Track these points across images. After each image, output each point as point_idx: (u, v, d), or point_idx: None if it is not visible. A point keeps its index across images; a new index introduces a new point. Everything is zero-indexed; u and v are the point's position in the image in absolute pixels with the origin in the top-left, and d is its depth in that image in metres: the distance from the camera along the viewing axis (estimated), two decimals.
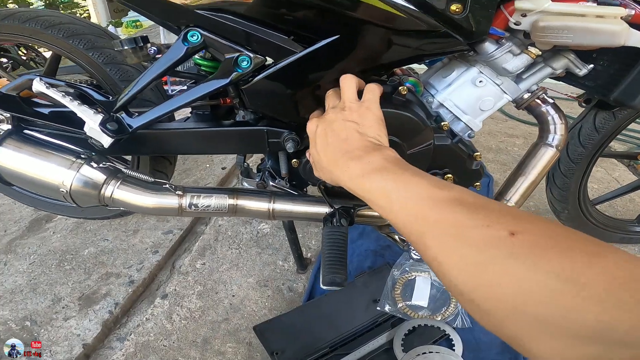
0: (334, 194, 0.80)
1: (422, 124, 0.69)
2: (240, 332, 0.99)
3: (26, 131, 0.75)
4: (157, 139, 0.77)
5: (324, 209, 0.80)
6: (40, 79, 0.68)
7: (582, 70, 0.72)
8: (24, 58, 4.51)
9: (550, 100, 0.78)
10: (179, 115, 0.81)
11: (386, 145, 0.57)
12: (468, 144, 0.77)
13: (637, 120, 1.86)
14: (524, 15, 0.63)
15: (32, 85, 0.68)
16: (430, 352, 0.85)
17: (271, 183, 0.84)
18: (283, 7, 0.62)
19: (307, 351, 0.88)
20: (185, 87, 0.85)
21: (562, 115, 0.79)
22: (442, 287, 0.99)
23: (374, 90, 0.63)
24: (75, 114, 0.67)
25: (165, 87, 0.90)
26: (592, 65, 0.72)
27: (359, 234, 1.25)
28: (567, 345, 0.29)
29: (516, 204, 0.83)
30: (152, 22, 0.73)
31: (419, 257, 0.85)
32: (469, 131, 0.76)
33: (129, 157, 1.09)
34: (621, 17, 0.60)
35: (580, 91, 0.93)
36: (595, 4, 0.61)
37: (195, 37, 0.64)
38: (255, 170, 0.90)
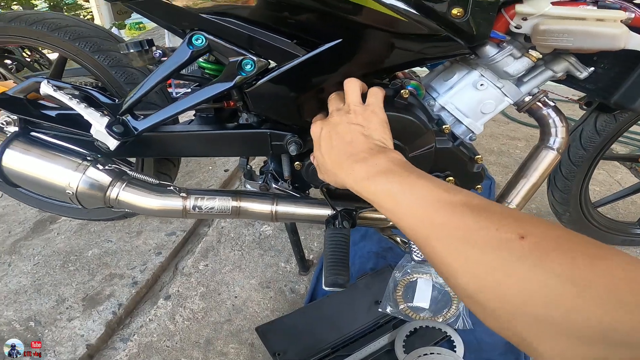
0: (336, 196, 0.80)
1: (424, 127, 0.69)
2: (243, 333, 0.99)
3: (33, 133, 0.76)
4: (162, 142, 0.78)
5: (327, 211, 0.81)
6: (48, 82, 0.69)
7: (583, 73, 0.72)
8: (28, 60, 4.55)
9: (551, 103, 0.78)
10: (183, 118, 0.81)
11: (391, 147, 0.57)
12: (469, 146, 0.77)
13: (639, 122, 1.86)
14: (525, 19, 0.63)
15: (39, 87, 0.69)
16: (431, 354, 0.86)
17: (274, 185, 0.84)
18: (286, 11, 0.62)
19: (309, 352, 0.88)
20: (189, 90, 0.87)
21: (563, 118, 0.79)
22: (443, 289, 1.00)
23: (377, 94, 0.63)
24: (82, 117, 0.68)
25: (170, 90, 0.91)
26: (592, 68, 0.73)
27: (361, 236, 1.26)
28: (569, 346, 0.29)
29: (517, 207, 0.83)
30: (156, 24, 0.74)
31: (420, 259, 0.85)
32: (471, 134, 0.77)
33: (133, 160, 1.10)
34: (621, 21, 0.61)
35: (581, 94, 0.93)
36: (595, 8, 0.62)
37: (200, 41, 0.65)
38: (258, 173, 0.91)
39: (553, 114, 0.78)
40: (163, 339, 0.99)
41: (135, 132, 0.71)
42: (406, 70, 0.82)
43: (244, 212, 0.81)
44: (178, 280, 1.16)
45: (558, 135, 0.79)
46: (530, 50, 0.69)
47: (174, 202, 0.77)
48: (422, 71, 0.86)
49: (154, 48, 0.70)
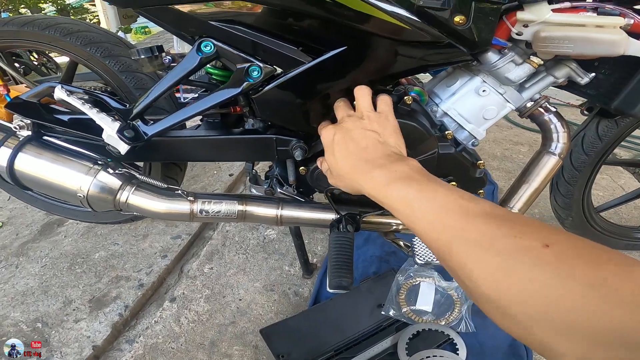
0: (340, 200, 0.82)
1: (427, 133, 0.71)
2: (247, 336, 1.00)
3: (45, 137, 0.78)
4: (170, 146, 0.80)
5: (331, 216, 0.82)
6: (62, 87, 0.71)
7: (584, 79, 0.73)
8: (36, 63, 4.60)
9: (553, 109, 0.79)
10: (189, 123, 0.83)
11: (405, 154, 0.58)
12: (472, 152, 0.78)
13: None
14: (526, 26, 0.64)
15: (52, 92, 0.71)
16: (434, 356, 0.86)
17: (279, 190, 0.85)
18: (292, 19, 0.64)
19: (313, 354, 0.89)
20: (196, 95, 0.88)
21: (565, 124, 0.80)
22: (446, 293, 1.01)
23: (388, 102, 0.65)
24: (93, 121, 0.70)
25: (178, 95, 0.93)
26: (593, 74, 0.74)
27: (365, 240, 1.26)
28: (591, 349, 0.30)
29: (520, 211, 0.84)
30: (161, 29, 0.75)
31: (423, 263, 0.86)
32: (473, 140, 0.78)
33: (140, 164, 1.12)
34: (620, 27, 0.62)
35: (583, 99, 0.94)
36: (595, 14, 0.62)
37: (208, 48, 0.67)
38: (263, 177, 0.92)
39: (555, 120, 0.79)
40: (168, 340, 1.00)
41: (145, 137, 0.73)
42: (409, 77, 0.83)
43: (250, 216, 0.82)
44: (183, 282, 1.17)
45: (560, 140, 0.80)
46: (531, 56, 0.70)
47: (182, 206, 0.78)
48: (425, 77, 0.88)
49: (163, 54, 0.71)
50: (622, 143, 1.95)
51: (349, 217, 0.77)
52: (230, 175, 1.74)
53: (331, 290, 0.67)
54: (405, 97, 0.70)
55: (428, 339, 0.92)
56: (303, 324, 0.97)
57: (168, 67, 0.71)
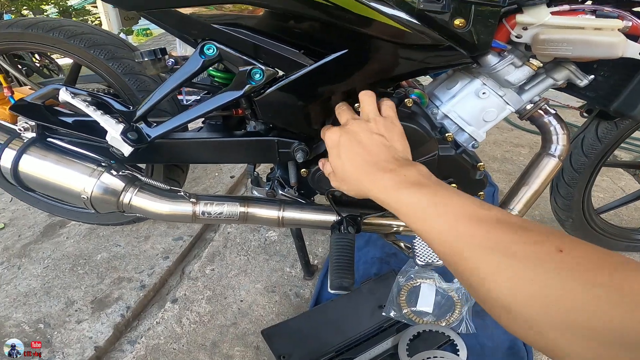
0: (341, 202, 0.82)
1: (427, 135, 0.71)
2: (248, 336, 1.01)
3: (49, 139, 0.79)
4: (172, 148, 0.80)
5: (332, 217, 0.82)
6: (66, 89, 0.72)
7: (583, 81, 0.74)
8: (38, 65, 4.61)
9: (552, 111, 0.80)
10: (191, 125, 0.84)
11: (411, 159, 0.59)
12: (472, 154, 0.79)
13: None
14: (525, 29, 0.65)
15: (57, 94, 0.72)
16: (434, 357, 0.87)
17: (280, 192, 0.86)
18: (293, 22, 0.65)
19: (314, 355, 0.89)
20: (198, 97, 0.89)
21: (564, 126, 0.80)
22: (446, 294, 1.01)
23: (392, 106, 0.65)
24: (97, 123, 0.71)
25: (180, 97, 0.93)
26: (592, 76, 0.74)
27: (365, 241, 1.27)
28: (606, 351, 0.30)
29: (519, 213, 0.84)
30: (162, 31, 0.76)
31: (424, 264, 0.87)
32: (473, 142, 0.78)
33: (142, 165, 1.12)
34: (618, 29, 0.62)
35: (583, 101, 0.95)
36: (593, 17, 0.63)
37: (211, 50, 0.68)
38: (264, 179, 0.93)
39: (554, 122, 0.80)
40: (170, 341, 1.00)
41: (148, 139, 0.74)
42: (410, 79, 0.84)
43: (252, 218, 0.83)
44: (185, 284, 1.18)
45: (559, 142, 0.81)
46: (530, 59, 0.71)
47: (184, 208, 0.79)
48: (425, 79, 0.88)
49: (166, 57, 0.72)
50: (623, 145, 1.96)
51: (349, 218, 0.78)
52: (232, 177, 1.74)
53: (332, 291, 0.67)
54: (405, 100, 0.70)
55: (429, 340, 0.92)
56: (304, 324, 0.97)
57: (171, 70, 0.72)
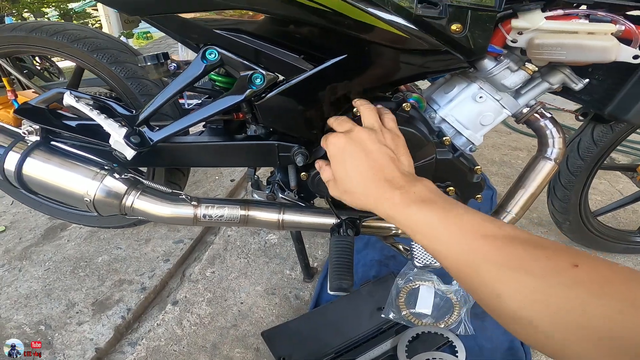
0: (341, 205, 0.83)
1: (425, 139, 0.72)
2: (248, 338, 1.01)
3: (53, 142, 0.80)
4: (174, 152, 0.81)
5: (331, 220, 0.83)
6: (70, 93, 0.73)
7: (578, 84, 0.74)
8: (39, 68, 4.63)
9: (548, 115, 0.80)
10: (192, 129, 0.85)
11: (414, 173, 0.59)
12: (469, 157, 0.79)
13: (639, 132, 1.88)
14: (521, 33, 0.65)
15: (62, 98, 0.73)
16: (433, 359, 0.87)
17: (280, 195, 0.86)
18: (293, 28, 0.66)
19: (314, 356, 0.90)
20: (200, 101, 0.90)
21: (560, 129, 0.81)
22: (445, 296, 1.02)
23: (394, 119, 0.65)
24: (100, 127, 0.72)
25: (181, 101, 0.94)
26: (587, 80, 0.75)
27: (364, 244, 1.28)
28: (624, 359, 0.31)
29: (517, 216, 0.85)
30: (163, 34, 0.77)
31: (422, 266, 0.88)
32: (470, 145, 0.79)
33: (144, 169, 1.13)
34: (611, 33, 0.63)
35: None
36: (587, 21, 0.64)
37: (213, 55, 0.69)
38: (265, 183, 0.94)
39: (550, 125, 0.81)
40: (170, 343, 1.01)
41: (151, 143, 0.75)
42: (408, 84, 0.85)
43: (252, 221, 0.83)
44: (185, 286, 1.19)
45: (555, 146, 0.81)
46: (526, 63, 0.72)
47: (186, 210, 0.80)
48: (423, 83, 0.89)
49: (169, 61, 0.73)
50: (621, 148, 1.98)
51: (349, 221, 0.79)
52: (232, 180, 1.75)
53: (332, 292, 0.68)
54: (403, 104, 0.71)
55: (427, 341, 0.93)
56: (304, 326, 0.98)
57: (173, 74, 0.73)
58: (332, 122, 0.68)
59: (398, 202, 0.52)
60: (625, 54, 0.64)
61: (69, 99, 0.72)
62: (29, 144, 0.77)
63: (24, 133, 0.77)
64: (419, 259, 0.89)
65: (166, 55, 0.73)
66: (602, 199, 1.58)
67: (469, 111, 0.77)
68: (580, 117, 0.98)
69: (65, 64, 5.08)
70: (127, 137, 0.71)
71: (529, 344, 0.38)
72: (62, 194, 0.77)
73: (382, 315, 0.98)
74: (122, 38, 6.54)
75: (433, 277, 1.06)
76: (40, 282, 1.23)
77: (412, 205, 0.50)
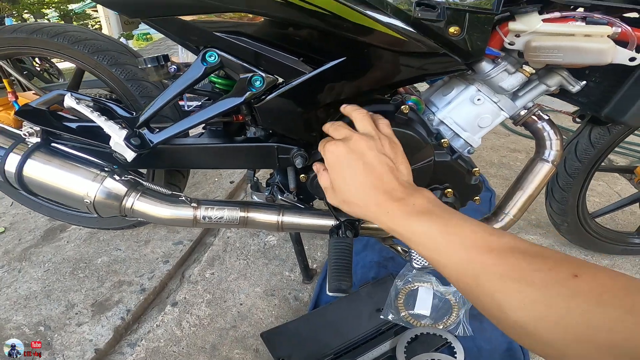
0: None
1: (423, 141, 0.72)
2: (248, 339, 1.02)
3: (53, 144, 0.80)
4: (174, 154, 0.82)
5: (330, 222, 0.83)
6: (71, 95, 0.73)
7: (575, 87, 0.75)
8: (38, 69, 4.63)
9: (546, 117, 0.81)
10: (192, 131, 0.85)
11: (412, 181, 0.58)
12: (467, 159, 0.80)
13: (639, 132, 1.89)
14: (518, 36, 0.66)
15: (62, 100, 0.73)
16: None
17: (280, 197, 0.87)
18: (292, 30, 0.66)
19: (313, 357, 0.90)
20: (199, 103, 0.90)
21: (558, 131, 0.82)
22: (444, 297, 1.02)
23: (389, 124, 0.65)
24: (101, 129, 0.72)
25: (181, 103, 0.95)
26: (584, 82, 0.75)
27: (363, 246, 1.28)
28: None
29: (514, 217, 0.86)
30: (162, 35, 0.77)
31: (420, 267, 0.88)
32: (469, 147, 0.79)
33: (144, 170, 1.14)
34: (608, 36, 0.63)
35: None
36: (583, 24, 0.64)
37: (213, 58, 0.69)
38: (264, 185, 0.94)
39: (547, 127, 0.81)
40: (170, 344, 1.01)
41: (151, 145, 0.75)
42: (407, 86, 0.85)
43: (251, 222, 0.84)
44: (185, 287, 1.19)
45: (553, 148, 0.82)
46: (524, 65, 0.72)
47: (185, 212, 0.80)
48: (422, 86, 0.90)
49: (169, 63, 0.73)
50: (619, 149, 1.99)
51: (348, 223, 0.79)
52: (231, 182, 1.76)
53: (331, 294, 0.68)
54: (402, 107, 0.72)
55: (426, 342, 0.93)
56: (303, 327, 0.98)
57: (173, 76, 0.73)
58: (328, 128, 0.66)
59: (397, 214, 0.52)
60: (621, 56, 0.64)
61: (69, 101, 0.72)
62: (29, 146, 0.77)
63: (25, 135, 0.78)
64: (418, 261, 0.89)
65: (166, 58, 0.73)
66: (600, 200, 1.58)
67: (467, 113, 0.78)
68: (578, 120, 0.99)
69: (64, 65, 5.08)
70: (127, 139, 0.71)
71: (532, 351, 0.38)
72: (62, 196, 0.77)
73: (381, 317, 0.98)
74: (122, 39, 6.55)
75: (432, 278, 1.06)
76: (39, 283, 1.23)
77: (411, 218, 0.50)
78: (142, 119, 0.74)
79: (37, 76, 4.49)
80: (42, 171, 0.76)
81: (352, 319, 0.99)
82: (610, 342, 0.32)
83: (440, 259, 0.47)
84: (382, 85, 0.72)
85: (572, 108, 0.94)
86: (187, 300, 1.14)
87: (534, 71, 0.72)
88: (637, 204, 1.22)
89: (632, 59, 0.65)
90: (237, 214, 0.82)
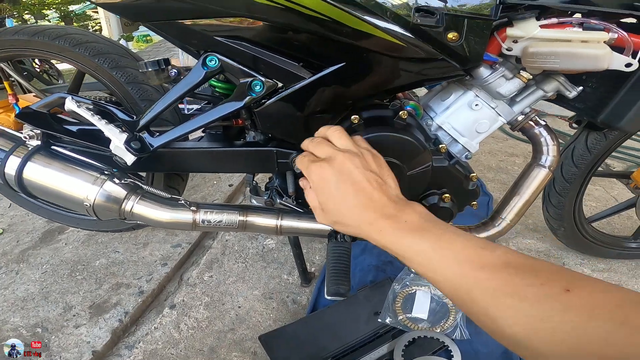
0: None
1: (422, 147, 0.72)
2: (246, 342, 1.02)
3: (53, 147, 0.80)
4: (174, 158, 0.82)
5: (329, 226, 0.84)
6: (72, 98, 0.74)
7: (572, 92, 0.76)
8: (38, 70, 4.62)
9: (543, 122, 0.81)
10: (192, 135, 0.85)
11: (401, 193, 0.58)
12: (465, 165, 0.80)
13: (635, 138, 1.90)
14: (516, 42, 0.67)
15: (63, 103, 0.74)
16: None
17: (278, 201, 0.87)
18: (291, 36, 0.67)
19: None
20: (199, 106, 0.91)
21: (554, 137, 0.82)
22: (441, 301, 1.03)
23: (363, 139, 0.63)
24: (100, 132, 0.73)
25: (181, 106, 0.95)
26: (581, 88, 0.76)
27: (362, 250, 1.28)
28: None
29: (511, 222, 0.86)
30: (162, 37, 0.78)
31: None
32: (466, 153, 0.80)
33: (143, 173, 1.14)
34: (604, 41, 0.64)
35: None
36: (580, 30, 0.65)
37: (213, 62, 0.70)
38: (263, 189, 0.94)
39: (544, 133, 0.82)
40: (168, 346, 1.01)
41: (151, 148, 0.75)
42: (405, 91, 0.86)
43: (250, 226, 0.84)
44: (183, 290, 1.19)
45: (549, 153, 0.82)
46: (521, 71, 0.73)
47: (185, 215, 0.80)
48: (420, 91, 0.90)
49: (169, 67, 0.73)
50: (616, 154, 2.00)
51: None
52: (230, 185, 1.76)
53: (329, 297, 0.68)
54: (400, 112, 0.72)
55: (424, 345, 0.93)
56: (301, 330, 0.98)
57: (174, 80, 0.74)
58: (308, 144, 0.62)
59: (389, 231, 0.52)
60: (617, 62, 0.65)
61: (70, 104, 0.72)
62: (29, 149, 0.77)
63: (25, 137, 0.78)
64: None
65: (167, 61, 0.74)
66: (597, 205, 1.59)
67: (465, 119, 0.78)
68: (574, 125, 0.99)
69: (64, 66, 5.08)
70: (127, 142, 0.72)
71: None
72: (62, 198, 0.77)
73: (379, 320, 0.98)
74: (122, 41, 6.55)
75: (429, 282, 1.07)
76: (37, 284, 1.22)
77: (404, 235, 0.50)
78: (142, 122, 0.74)
79: (36, 77, 4.47)
80: (42, 174, 0.76)
81: (350, 322, 0.99)
82: (604, 354, 0.33)
83: (434, 276, 0.47)
84: (381, 91, 0.73)
85: (570, 113, 0.95)
86: (185, 302, 1.14)
87: (531, 77, 0.73)
88: (634, 208, 1.23)
89: (628, 65, 0.65)
90: (236, 217, 0.82)
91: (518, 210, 0.85)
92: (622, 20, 0.69)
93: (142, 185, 0.81)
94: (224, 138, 0.84)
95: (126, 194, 0.78)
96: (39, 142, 0.78)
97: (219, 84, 0.79)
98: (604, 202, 1.61)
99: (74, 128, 0.81)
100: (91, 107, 0.75)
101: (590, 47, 0.64)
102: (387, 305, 1.01)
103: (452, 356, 0.91)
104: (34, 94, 1.16)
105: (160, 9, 0.68)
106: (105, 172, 0.78)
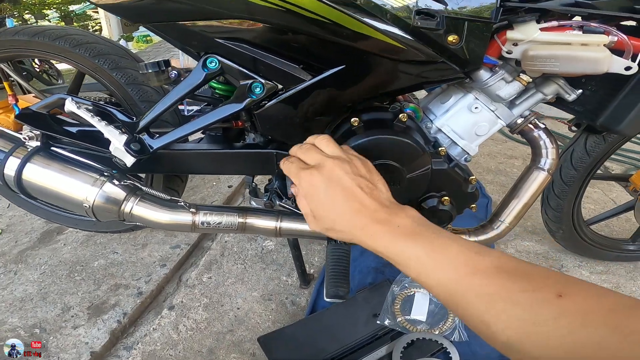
0: None
1: (421, 149, 0.72)
2: (245, 343, 1.02)
3: (53, 148, 0.80)
4: (174, 159, 0.82)
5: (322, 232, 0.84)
6: (72, 99, 0.74)
7: (572, 95, 0.76)
8: (38, 70, 4.61)
9: (542, 125, 0.82)
10: (191, 136, 0.85)
11: (392, 197, 0.58)
12: (464, 167, 0.80)
13: (635, 140, 1.90)
14: (516, 45, 0.67)
15: (63, 104, 0.74)
16: None
17: (278, 202, 0.87)
18: (292, 38, 0.67)
19: None
20: (199, 108, 0.91)
21: (554, 140, 0.82)
22: (440, 303, 1.03)
23: (351, 148, 0.64)
24: (100, 133, 0.73)
25: (181, 107, 0.95)
26: (580, 91, 0.76)
27: (361, 252, 1.28)
28: None
29: (510, 225, 0.86)
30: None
31: None
32: (466, 155, 0.80)
33: (142, 175, 1.14)
34: (604, 45, 0.64)
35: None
36: (580, 33, 0.65)
37: (214, 64, 0.70)
38: (262, 190, 0.94)
39: (544, 136, 0.82)
40: (166, 347, 1.01)
41: (151, 150, 0.75)
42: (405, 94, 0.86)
43: (250, 228, 0.84)
44: (182, 291, 1.19)
45: (549, 156, 0.83)
46: (521, 74, 0.73)
47: (184, 217, 0.80)
48: (420, 93, 0.91)
49: (170, 68, 0.73)
50: (615, 157, 2.00)
51: None
52: (229, 186, 1.76)
53: (328, 299, 0.69)
54: (400, 115, 0.72)
55: (422, 347, 0.94)
56: (300, 332, 0.98)
57: (174, 82, 0.74)
58: (296, 151, 0.62)
59: (382, 237, 0.51)
60: (617, 65, 0.65)
61: (70, 105, 0.72)
62: (29, 150, 0.77)
63: (25, 138, 0.78)
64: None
65: (167, 63, 0.74)
66: (595, 207, 1.59)
67: (464, 121, 0.78)
68: (574, 128, 1.00)
69: (64, 66, 5.08)
70: (127, 144, 0.72)
71: None
72: (61, 200, 0.77)
73: (378, 322, 0.98)
74: (122, 41, 6.55)
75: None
76: (35, 285, 1.22)
77: (397, 240, 0.50)
78: (142, 124, 0.74)
79: (36, 77, 4.47)
80: (41, 175, 0.76)
81: (349, 324, 0.99)
82: (598, 359, 0.33)
83: (427, 280, 0.47)
84: (381, 93, 0.73)
85: (569, 116, 0.95)
86: (184, 304, 1.14)
87: (530, 80, 0.73)
88: (632, 211, 1.23)
89: (627, 68, 0.65)
90: (235, 219, 0.82)
91: (517, 213, 0.85)
92: (621, 23, 0.70)
93: (142, 187, 0.81)
94: (223, 140, 0.84)
95: (125, 195, 0.78)
96: (38, 143, 0.78)
97: (219, 86, 0.79)
98: (602, 204, 1.62)
99: (73, 129, 0.81)
100: (91, 108, 0.75)
101: (590, 50, 0.64)
102: (385, 307, 1.01)
103: (451, 358, 0.91)
104: (34, 95, 1.16)
105: (161, 11, 0.68)
106: (105, 174, 0.78)
